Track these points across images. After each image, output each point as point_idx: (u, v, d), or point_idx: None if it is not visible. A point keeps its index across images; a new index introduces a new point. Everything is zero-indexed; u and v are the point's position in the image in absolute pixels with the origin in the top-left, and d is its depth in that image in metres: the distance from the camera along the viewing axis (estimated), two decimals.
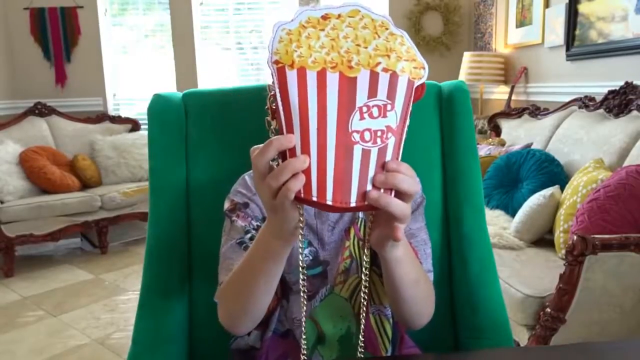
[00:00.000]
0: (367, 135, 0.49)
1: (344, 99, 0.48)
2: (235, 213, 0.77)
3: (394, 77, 0.49)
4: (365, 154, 0.49)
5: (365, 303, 0.62)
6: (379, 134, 0.49)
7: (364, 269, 0.60)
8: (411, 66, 0.50)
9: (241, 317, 0.70)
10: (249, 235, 0.75)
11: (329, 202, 0.49)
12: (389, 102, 0.49)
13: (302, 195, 0.49)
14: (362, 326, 0.63)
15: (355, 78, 0.49)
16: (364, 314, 0.62)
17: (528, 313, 1.59)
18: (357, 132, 0.48)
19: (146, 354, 0.86)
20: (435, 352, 0.91)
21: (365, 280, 0.61)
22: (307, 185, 0.48)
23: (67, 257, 3.47)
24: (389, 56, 0.49)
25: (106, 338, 2.29)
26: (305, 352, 0.67)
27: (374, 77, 0.49)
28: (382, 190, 0.50)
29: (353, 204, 0.49)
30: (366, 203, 0.50)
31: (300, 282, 0.61)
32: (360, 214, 0.80)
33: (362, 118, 0.49)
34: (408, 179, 0.51)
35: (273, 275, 0.64)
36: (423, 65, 0.51)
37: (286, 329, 0.79)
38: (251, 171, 0.80)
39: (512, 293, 1.63)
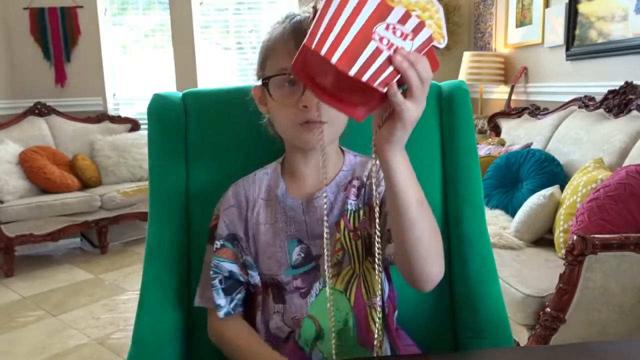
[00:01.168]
0: (384, 41, 0.54)
1: (378, 13, 0.54)
2: (212, 233, 0.84)
3: (421, 24, 0.56)
4: (377, 51, 0.53)
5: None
6: (394, 46, 0.54)
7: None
8: (436, 29, 0.57)
9: None
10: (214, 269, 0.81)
11: (334, 60, 0.52)
12: (411, 34, 0.55)
13: (313, 46, 0.51)
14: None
15: (393, 7, 0.55)
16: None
17: (528, 313, 1.59)
18: (378, 34, 0.54)
19: (146, 354, 0.86)
20: (435, 352, 0.91)
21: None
22: (322, 41, 0.52)
23: (67, 257, 3.47)
24: (423, 12, 0.56)
25: (106, 338, 2.29)
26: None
27: (407, 15, 0.55)
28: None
29: (352, 74, 0.52)
30: (364, 79, 0.53)
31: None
32: (350, 206, 0.81)
33: (386, 29, 0.54)
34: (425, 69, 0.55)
35: None
36: (444, 36, 0.57)
37: (287, 333, 0.79)
38: (239, 181, 0.85)
39: (512, 293, 1.63)
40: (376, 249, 0.67)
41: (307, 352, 0.78)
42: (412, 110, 0.56)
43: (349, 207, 0.81)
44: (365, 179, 0.83)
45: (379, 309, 0.79)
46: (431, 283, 0.69)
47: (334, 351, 0.74)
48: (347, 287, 0.79)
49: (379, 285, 0.78)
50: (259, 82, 0.80)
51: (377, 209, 0.72)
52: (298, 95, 0.74)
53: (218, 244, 0.80)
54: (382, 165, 0.62)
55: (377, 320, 0.78)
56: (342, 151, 0.86)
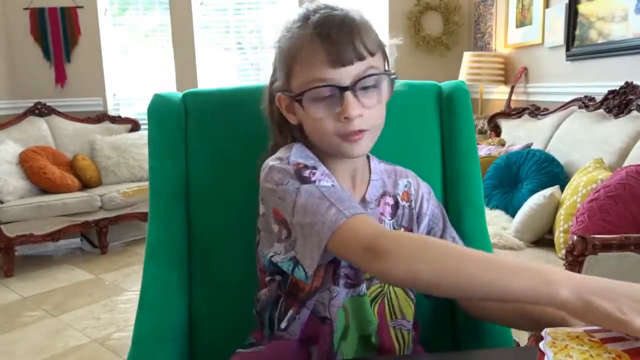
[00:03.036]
0: None
1: None
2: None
3: None
4: None
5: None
6: None
7: None
8: None
9: (436, 288, 0.61)
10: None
11: None
12: None
13: None
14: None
15: None
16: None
17: None
18: None
19: (146, 354, 0.86)
20: (435, 352, 0.91)
21: None
22: None
23: (67, 257, 3.47)
24: None
25: (106, 338, 2.29)
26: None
27: None
28: None
29: None
30: None
31: None
32: (387, 225, 0.80)
33: None
34: None
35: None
36: None
37: (324, 316, 0.76)
38: (295, 144, 0.76)
39: None
40: None
41: (334, 348, 0.76)
42: None
43: (386, 226, 0.79)
44: (400, 199, 0.82)
45: (406, 330, 0.80)
46: None
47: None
48: (374, 301, 0.78)
49: (410, 309, 0.80)
50: (288, 94, 0.74)
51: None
52: (336, 106, 0.70)
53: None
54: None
55: (402, 340, 0.79)
56: (367, 156, 0.82)
